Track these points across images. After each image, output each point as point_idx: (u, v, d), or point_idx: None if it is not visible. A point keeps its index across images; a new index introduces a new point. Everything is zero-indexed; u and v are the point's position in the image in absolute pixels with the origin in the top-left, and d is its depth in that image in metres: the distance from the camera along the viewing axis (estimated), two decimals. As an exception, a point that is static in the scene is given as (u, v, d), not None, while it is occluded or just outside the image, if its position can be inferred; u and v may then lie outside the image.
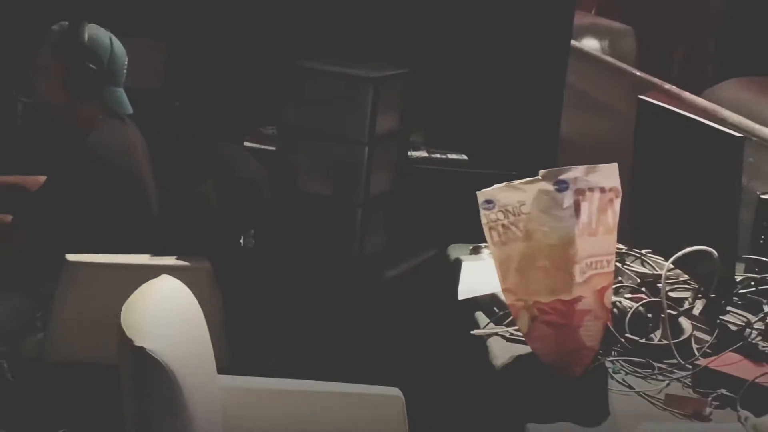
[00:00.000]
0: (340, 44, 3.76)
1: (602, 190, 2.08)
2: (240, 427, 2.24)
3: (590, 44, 5.72)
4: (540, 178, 2.06)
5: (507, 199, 2.10)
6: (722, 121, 3.19)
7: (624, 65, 4.88)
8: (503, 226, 2.10)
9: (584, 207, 2.05)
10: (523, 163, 3.06)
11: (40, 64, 3.01)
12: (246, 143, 3.75)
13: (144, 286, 2.13)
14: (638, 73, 4.57)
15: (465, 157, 3.90)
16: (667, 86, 4.05)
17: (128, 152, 3.00)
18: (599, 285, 2.07)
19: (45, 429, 2.76)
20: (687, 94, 3.91)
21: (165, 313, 2.09)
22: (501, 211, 2.10)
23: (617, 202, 2.11)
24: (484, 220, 2.11)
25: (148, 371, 1.89)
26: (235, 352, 2.75)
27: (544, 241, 2.05)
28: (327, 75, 3.43)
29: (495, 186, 2.12)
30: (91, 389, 2.65)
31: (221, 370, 2.30)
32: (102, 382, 2.34)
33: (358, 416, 2.31)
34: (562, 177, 2.04)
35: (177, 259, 2.87)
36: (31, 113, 3.69)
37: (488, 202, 2.12)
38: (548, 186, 2.05)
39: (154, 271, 2.26)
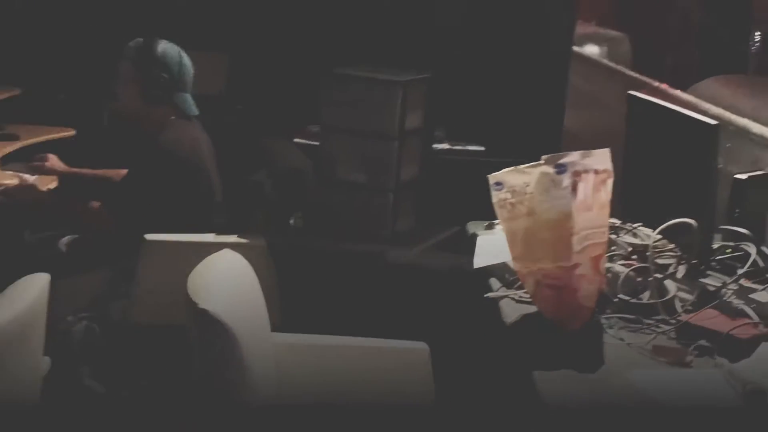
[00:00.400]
0: (371, 53, 3.76)
1: (596, 171, 2.05)
2: (290, 375, 2.24)
3: (591, 50, 5.67)
4: (542, 162, 2.04)
5: (514, 181, 2.07)
6: (704, 113, 3.13)
7: (620, 67, 4.82)
8: (511, 204, 2.08)
9: (580, 187, 2.02)
10: (532, 152, 3.04)
11: (121, 74, 3.03)
12: (295, 139, 3.76)
13: (207, 258, 2.14)
14: (632, 74, 4.51)
15: (482, 148, 3.88)
16: (656, 84, 4.00)
17: (195, 148, 3.02)
18: (594, 253, 2.05)
19: (128, 381, 2.78)
20: (673, 91, 3.86)
21: (225, 280, 2.09)
22: (509, 191, 2.08)
23: (609, 182, 2.08)
24: (494, 199, 2.09)
25: (210, 329, 1.89)
26: (286, 314, 2.76)
27: (546, 217, 2.02)
28: (362, 80, 3.42)
29: (504, 170, 2.11)
30: (166, 346, 2.67)
31: (274, 329, 2.31)
32: (174, 340, 2.36)
33: (391, 366, 2.31)
34: (561, 161, 2.02)
35: (237, 236, 2.88)
36: (115, 117, 3.71)
37: (498, 184, 2.10)
38: (549, 169, 2.02)
39: (217, 247, 2.26)
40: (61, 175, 3.34)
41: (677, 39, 6.19)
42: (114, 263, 2.92)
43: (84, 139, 3.88)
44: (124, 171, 3.08)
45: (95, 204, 3.00)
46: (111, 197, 3.00)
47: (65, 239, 3.06)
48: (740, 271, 2.19)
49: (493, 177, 2.10)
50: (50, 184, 3.28)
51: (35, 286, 1.97)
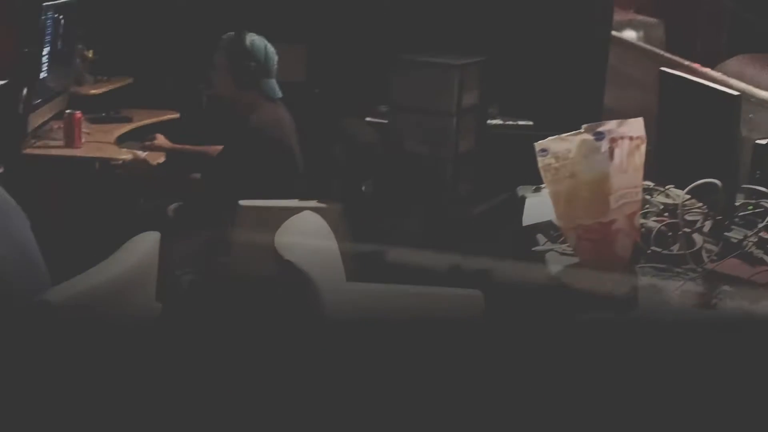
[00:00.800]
0: (432, 41, 3.75)
1: (631, 138, 2.04)
2: (363, 318, 2.27)
3: (628, 35, 5.54)
4: (582, 131, 2.03)
5: (557, 147, 2.07)
6: (729, 87, 3.05)
7: (654, 49, 4.70)
8: (555, 168, 2.07)
9: (617, 152, 2.01)
10: (575, 125, 3.01)
11: (215, 64, 3.06)
12: (366, 118, 3.78)
13: (291, 218, 2.18)
14: (665, 55, 4.39)
15: (531, 122, 3.85)
16: (687, 63, 3.90)
17: (280, 127, 3.04)
18: (630, 210, 2.04)
19: (229, 324, 2.84)
20: (702, 69, 3.76)
21: (306, 237, 2.13)
22: (553, 157, 2.07)
23: (643, 147, 2.06)
24: (540, 164, 2.09)
25: (294, 278, 1.94)
26: (360, 266, 2.77)
27: (586, 179, 2.02)
28: (424, 64, 3.43)
29: (548, 138, 2.10)
30: (258, 295, 2.71)
31: (349, 279, 2.33)
32: (264, 289, 2.40)
33: (450, 309, 2.32)
34: (599, 129, 2.01)
35: (316, 202, 2.91)
36: (212, 101, 3.77)
37: (543, 150, 2.09)
38: (589, 136, 2.02)
39: (300, 211, 2.30)
40: (168, 152, 3.41)
41: (709, 24, 6.01)
42: (214, 226, 2.96)
43: (186, 120, 3.96)
44: (220, 147, 3.14)
45: (195, 175, 3.06)
46: (209, 170, 3.05)
47: (173, 206, 3.11)
48: (760, 225, 2.16)
49: (538, 144, 2.09)
50: (159, 159, 3.36)
51: (148, 242, 2.03)
